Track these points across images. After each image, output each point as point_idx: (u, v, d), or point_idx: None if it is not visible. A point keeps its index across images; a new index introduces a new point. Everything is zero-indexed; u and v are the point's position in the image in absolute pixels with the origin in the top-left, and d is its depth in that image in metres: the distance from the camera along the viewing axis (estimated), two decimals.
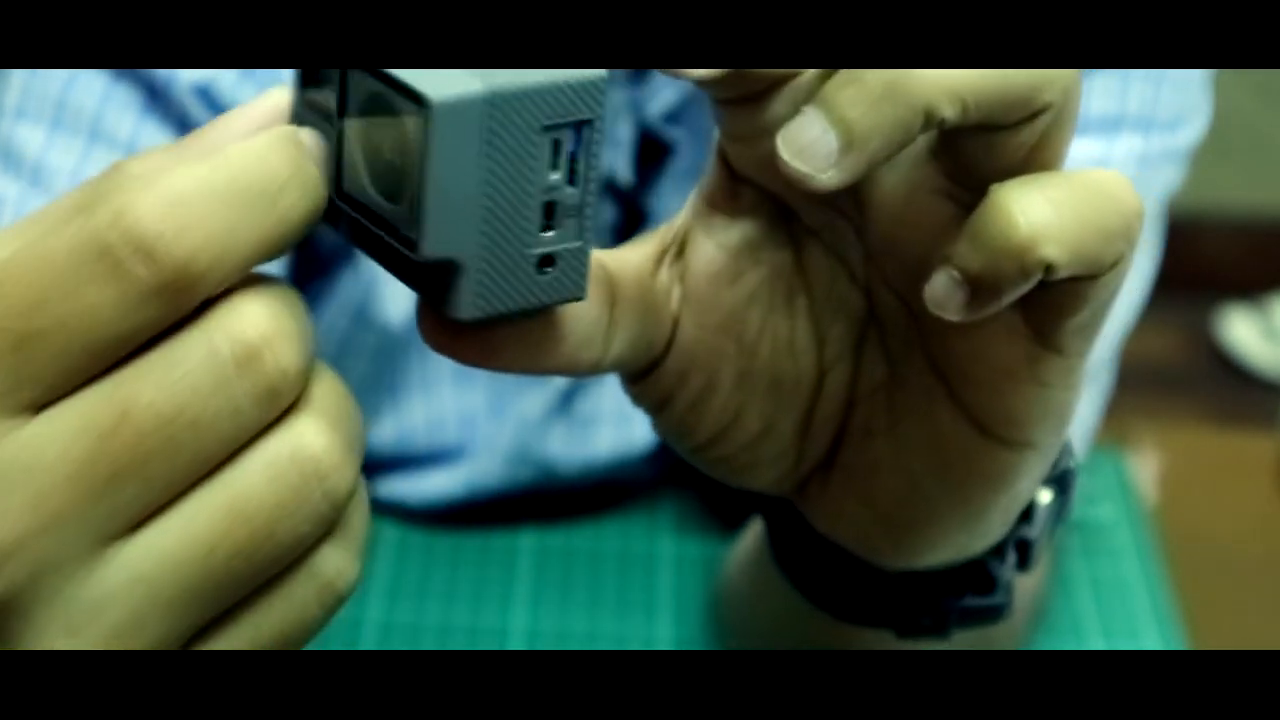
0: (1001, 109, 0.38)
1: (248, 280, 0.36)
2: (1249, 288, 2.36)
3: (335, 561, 0.37)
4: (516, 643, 0.73)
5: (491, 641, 0.73)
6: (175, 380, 0.34)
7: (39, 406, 0.35)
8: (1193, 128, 0.69)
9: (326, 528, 0.36)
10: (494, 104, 0.36)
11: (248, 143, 0.35)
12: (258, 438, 0.35)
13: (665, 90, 0.70)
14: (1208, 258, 2.34)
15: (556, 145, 0.37)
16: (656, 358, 0.44)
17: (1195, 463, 1.55)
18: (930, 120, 0.37)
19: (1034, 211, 0.37)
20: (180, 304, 0.34)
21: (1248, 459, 1.59)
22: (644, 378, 0.44)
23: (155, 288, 0.34)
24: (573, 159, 0.37)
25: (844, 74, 0.37)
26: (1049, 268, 0.38)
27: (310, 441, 0.35)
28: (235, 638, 0.36)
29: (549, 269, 0.37)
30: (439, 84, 0.35)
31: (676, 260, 0.44)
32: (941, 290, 0.38)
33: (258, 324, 0.35)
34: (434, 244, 0.36)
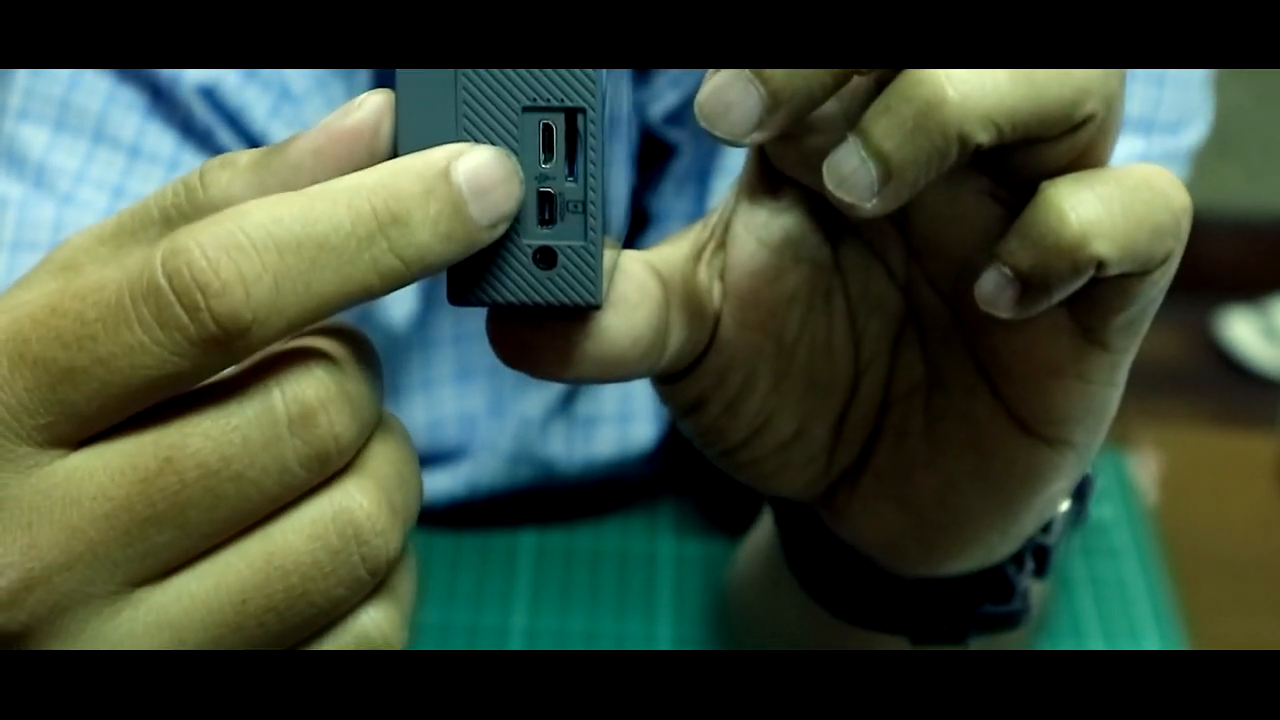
0: (1040, 127, 0.37)
1: (320, 329, 0.35)
2: (1249, 288, 2.36)
3: (380, 626, 0.37)
4: (516, 643, 0.73)
5: (491, 641, 0.73)
6: (225, 432, 0.34)
7: (79, 441, 0.34)
8: (1194, 130, 0.69)
9: (364, 593, 0.36)
10: (464, 75, 0.36)
11: (350, 179, 0.34)
12: (303, 497, 0.35)
13: (667, 92, 0.70)
14: (1208, 258, 2.33)
15: (547, 131, 0.36)
16: (696, 357, 0.43)
17: (1195, 463, 1.56)
18: (965, 147, 0.37)
19: (1085, 208, 0.37)
20: (228, 356, 0.33)
21: (1248, 459, 1.59)
22: (681, 378, 0.44)
23: (199, 338, 0.33)
24: (572, 151, 0.36)
25: (879, 103, 0.37)
26: (1100, 265, 0.37)
27: (354, 505, 0.35)
28: None
29: (550, 266, 0.37)
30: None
31: (715, 255, 0.43)
32: (992, 288, 0.38)
33: (319, 386, 0.34)
34: None
